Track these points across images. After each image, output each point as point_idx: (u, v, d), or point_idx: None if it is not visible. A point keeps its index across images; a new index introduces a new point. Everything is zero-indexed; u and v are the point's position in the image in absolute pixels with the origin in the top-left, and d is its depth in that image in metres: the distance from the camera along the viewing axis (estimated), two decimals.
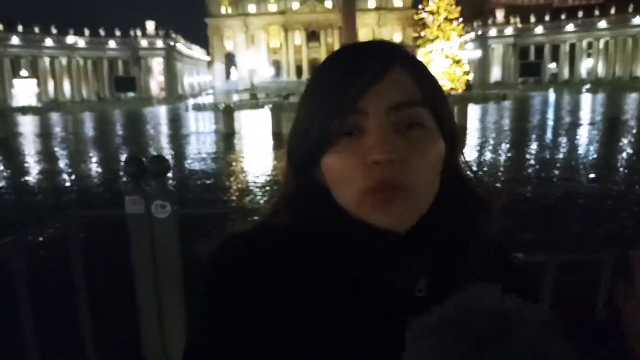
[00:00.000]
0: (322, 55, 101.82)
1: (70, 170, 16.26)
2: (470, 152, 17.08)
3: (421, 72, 0.71)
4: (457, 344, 0.49)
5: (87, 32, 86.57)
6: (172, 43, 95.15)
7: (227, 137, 24.12)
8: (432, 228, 0.69)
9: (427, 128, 0.69)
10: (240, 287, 0.66)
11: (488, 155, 16.39)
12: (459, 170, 0.75)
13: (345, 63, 0.70)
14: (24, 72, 72.88)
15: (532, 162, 14.95)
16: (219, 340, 0.65)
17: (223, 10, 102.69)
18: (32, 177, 14.89)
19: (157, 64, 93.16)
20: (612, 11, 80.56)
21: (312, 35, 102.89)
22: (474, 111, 34.55)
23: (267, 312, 0.64)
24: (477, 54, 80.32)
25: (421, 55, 56.40)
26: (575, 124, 25.75)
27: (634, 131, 21.57)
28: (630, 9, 78.05)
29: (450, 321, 0.52)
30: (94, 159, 19.01)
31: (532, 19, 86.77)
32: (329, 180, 0.70)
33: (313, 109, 0.70)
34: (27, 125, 38.68)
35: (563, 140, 20.09)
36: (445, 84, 53.41)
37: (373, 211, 0.66)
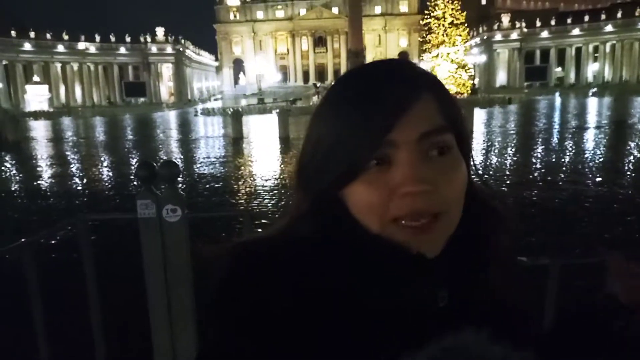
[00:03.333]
0: (328, 60, 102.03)
1: (81, 173, 16.42)
2: (476, 156, 17.05)
3: (444, 97, 0.71)
4: None
5: (97, 38, 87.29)
6: (181, 49, 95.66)
7: (235, 142, 24.27)
8: (454, 244, 0.70)
9: (454, 153, 0.70)
10: (254, 306, 0.65)
11: (494, 159, 16.37)
12: (473, 184, 0.77)
13: (370, 89, 0.68)
14: (36, 78, 73.54)
15: (538, 165, 14.90)
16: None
17: (231, 17, 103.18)
18: (44, 181, 15.07)
19: (166, 69, 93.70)
20: (619, 15, 79.91)
21: (319, 41, 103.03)
22: (479, 115, 34.46)
23: (282, 330, 0.63)
24: (483, 58, 80.00)
25: (427, 59, 56.51)
26: (581, 128, 25.61)
27: None
28: (637, 12, 77.39)
29: None
30: (105, 163, 19.18)
31: (538, 23, 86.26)
32: (354, 208, 0.69)
33: (336, 137, 0.68)
34: (39, 130, 39.05)
35: (569, 143, 20.00)
36: (451, 89, 53.41)
37: (405, 237, 0.66)
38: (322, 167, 0.70)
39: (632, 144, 18.73)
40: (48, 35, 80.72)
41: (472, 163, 0.77)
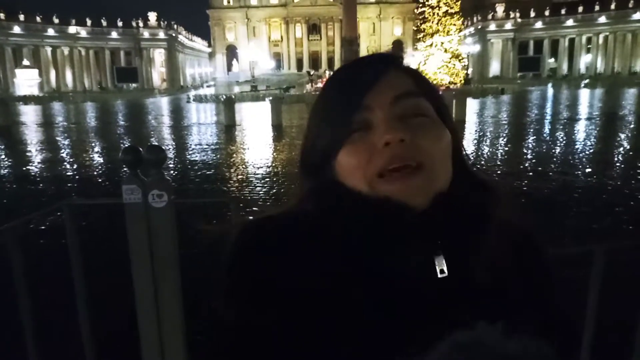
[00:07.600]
0: (322, 48, 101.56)
1: (71, 159, 16.27)
2: (468, 146, 17.16)
3: (417, 74, 0.80)
4: None
5: (89, 22, 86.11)
6: (174, 34, 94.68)
7: (227, 129, 24.11)
8: (445, 210, 0.71)
9: (431, 117, 0.75)
10: (266, 279, 0.69)
11: (485, 149, 16.42)
12: (464, 161, 0.81)
13: (347, 75, 0.79)
14: (25, 62, 72.56)
15: (528, 155, 14.97)
16: (248, 334, 0.68)
17: (225, 2, 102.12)
18: (34, 166, 14.92)
19: (158, 55, 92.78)
20: (612, 6, 80.00)
21: (313, 28, 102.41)
22: (472, 105, 34.48)
23: (293, 301, 0.67)
24: (477, 48, 79.88)
25: (421, 49, 56.32)
26: (572, 119, 25.68)
27: (631, 126, 21.54)
28: (630, 4, 77.55)
29: None
30: (96, 149, 19.03)
31: (532, 13, 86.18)
32: (343, 172, 0.74)
33: (323, 116, 0.78)
34: (29, 115, 38.58)
35: (560, 134, 20.06)
36: (445, 78, 53.41)
37: (390, 185, 0.69)
38: (315, 143, 0.78)
39: (622, 136, 18.84)
40: (38, 18, 79.44)
41: (458, 139, 0.80)
